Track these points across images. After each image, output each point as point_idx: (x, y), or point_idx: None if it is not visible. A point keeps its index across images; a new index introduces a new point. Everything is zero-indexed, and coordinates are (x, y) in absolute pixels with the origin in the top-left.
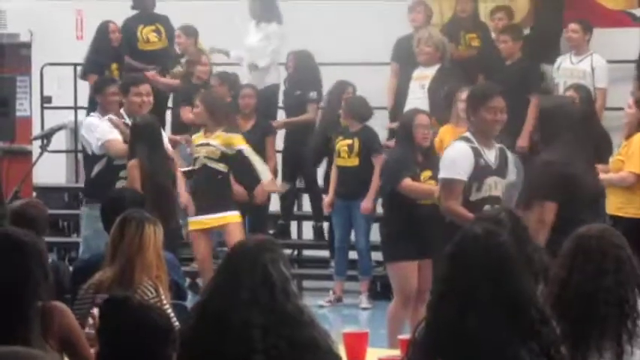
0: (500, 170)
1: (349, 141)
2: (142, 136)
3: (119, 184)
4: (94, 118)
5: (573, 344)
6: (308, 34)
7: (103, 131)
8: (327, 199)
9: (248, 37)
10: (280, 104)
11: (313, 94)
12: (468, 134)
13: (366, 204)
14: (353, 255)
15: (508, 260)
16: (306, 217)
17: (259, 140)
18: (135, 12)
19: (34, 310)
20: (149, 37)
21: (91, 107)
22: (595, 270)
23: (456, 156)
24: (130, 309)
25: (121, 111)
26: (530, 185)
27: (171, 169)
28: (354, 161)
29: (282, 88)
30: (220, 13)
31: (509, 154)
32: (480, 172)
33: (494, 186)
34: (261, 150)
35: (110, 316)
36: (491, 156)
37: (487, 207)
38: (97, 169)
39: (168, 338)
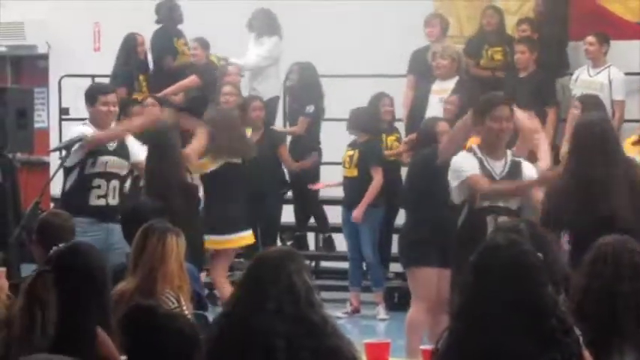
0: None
1: (351, 152)
2: (156, 144)
3: (93, 194)
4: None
5: (595, 350)
6: (309, 47)
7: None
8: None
9: (249, 52)
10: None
11: (310, 108)
12: (473, 146)
13: (356, 212)
14: None
15: (531, 270)
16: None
17: (269, 151)
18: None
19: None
20: (184, 50)
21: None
22: (612, 276)
23: (460, 160)
24: (155, 317)
25: (87, 122)
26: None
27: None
28: (354, 172)
29: (281, 100)
30: (220, 25)
31: (525, 167)
32: None
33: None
34: (272, 159)
35: (137, 324)
36: (496, 166)
37: (489, 217)
38: (69, 182)
39: (194, 346)
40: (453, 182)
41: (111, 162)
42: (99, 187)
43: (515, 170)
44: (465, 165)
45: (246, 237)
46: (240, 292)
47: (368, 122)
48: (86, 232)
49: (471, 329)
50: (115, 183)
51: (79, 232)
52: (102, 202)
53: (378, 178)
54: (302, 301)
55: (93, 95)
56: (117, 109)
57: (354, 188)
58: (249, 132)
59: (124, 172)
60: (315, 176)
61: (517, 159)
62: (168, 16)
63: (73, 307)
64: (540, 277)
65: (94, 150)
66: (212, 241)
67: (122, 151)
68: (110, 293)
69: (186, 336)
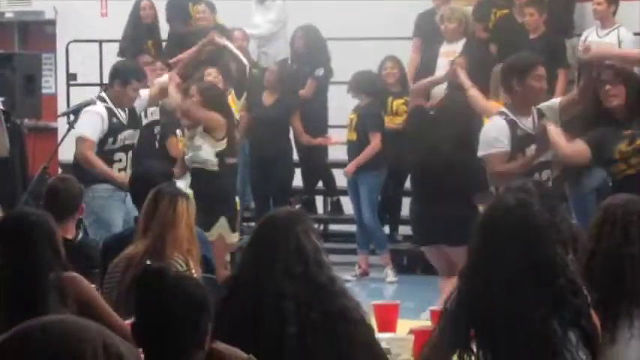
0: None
1: (353, 115)
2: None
3: (114, 167)
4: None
5: (604, 312)
6: (314, 9)
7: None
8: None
9: (254, 16)
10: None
11: (319, 71)
12: (503, 108)
13: (347, 168)
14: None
15: (540, 230)
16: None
17: (283, 116)
18: None
19: (48, 284)
20: (200, 15)
21: None
22: (621, 238)
23: (492, 131)
24: (166, 279)
25: (105, 97)
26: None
27: None
28: (353, 135)
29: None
30: None
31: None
32: (520, 142)
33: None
34: (284, 125)
35: (146, 286)
36: (528, 123)
37: (537, 174)
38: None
39: (205, 308)
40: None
41: (128, 136)
42: (120, 160)
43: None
44: (497, 139)
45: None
46: (248, 254)
47: (368, 85)
48: (111, 197)
49: (479, 289)
50: (130, 154)
51: (104, 197)
52: (122, 174)
53: (374, 142)
54: (310, 261)
55: (127, 78)
56: (142, 94)
57: (354, 152)
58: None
59: (135, 141)
60: (323, 151)
61: (538, 108)
62: None
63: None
64: (549, 237)
65: (113, 128)
66: None
67: (134, 122)
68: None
69: (195, 298)
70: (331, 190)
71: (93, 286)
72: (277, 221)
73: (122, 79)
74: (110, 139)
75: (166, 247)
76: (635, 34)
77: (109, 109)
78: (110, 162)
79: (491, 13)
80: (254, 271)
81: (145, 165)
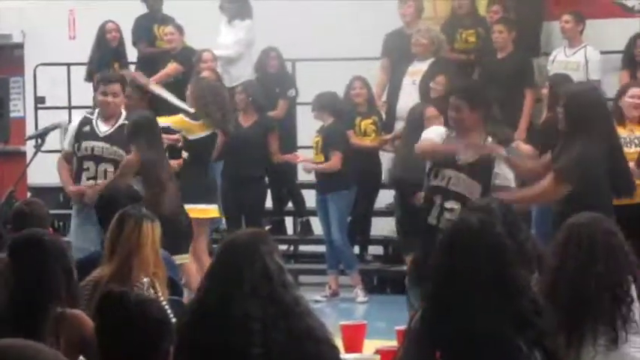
0: None
1: (317, 138)
2: (141, 132)
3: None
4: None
5: (569, 331)
6: (281, 30)
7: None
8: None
9: (220, 36)
10: None
11: (291, 92)
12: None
13: (306, 165)
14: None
15: (503, 251)
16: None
17: (260, 136)
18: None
19: (50, 314)
20: (167, 37)
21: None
22: (586, 257)
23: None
24: (127, 303)
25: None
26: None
27: (169, 163)
28: (321, 157)
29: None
30: (193, 12)
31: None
32: None
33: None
34: (261, 145)
35: (108, 310)
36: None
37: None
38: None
39: (166, 331)
40: None
41: (98, 147)
42: (87, 169)
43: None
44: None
45: (216, 210)
46: (213, 277)
47: (330, 105)
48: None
49: (443, 310)
50: (102, 166)
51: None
52: (90, 182)
53: (333, 161)
54: (275, 282)
55: (97, 82)
56: (118, 99)
57: (324, 174)
58: (241, 116)
59: (114, 156)
60: (292, 172)
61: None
62: (149, 3)
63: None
64: (512, 257)
65: (80, 135)
66: (198, 210)
67: (115, 138)
68: (75, 278)
69: (157, 321)
70: (301, 211)
71: None
72: (241, 243)
73: (94, 86)
74: (75, 145)
75: (132, 270)
76: (602, 52)
77: (84, 118)
78: (80, 170)
79: (458, 33)
80: (220, 294)
81: (111, 187)
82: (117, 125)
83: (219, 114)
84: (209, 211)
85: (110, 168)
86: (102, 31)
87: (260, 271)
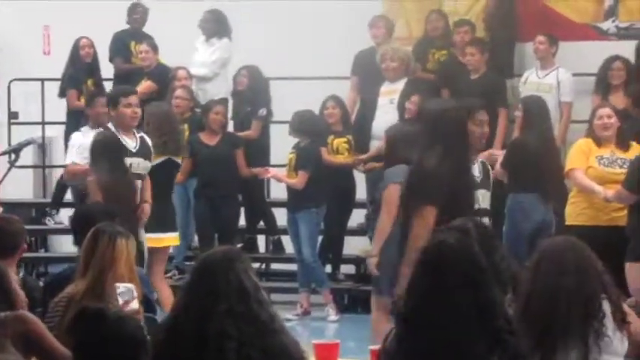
0: (485, 183)
1: (292, 155)
2: (103, 152)
3: None
4: (77, 135)
5: (541, 346)
6: (258, 49)
7: (69, 154)
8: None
9: (197, 53)
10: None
11: (262, 112)
12: None
13: (275, 176)
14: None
15: (480, 270)
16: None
17: (227, 154)
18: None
19: None
20: (141, 54)
21: (71, 122)
22: (556, 271)
23: None
24: (105, 320)
25: (109, 125)
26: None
27: (133, 183)
28: (293, 175)
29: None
30: (172, 30)
31: (488, 166)
32: None
33: (481, 199)
34: (230, 163)
35: (85, 326)
36: (475, 170)
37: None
38: None
39: (143, 349)
40: None
41: (135, 164)
42: None
43: (486, 171)
44: None
45: (177, 238)
46: (189, 296)
47: (308, 126)
48: None
49: (418, 328)
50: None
51: None
52: None
53: (298, 180)
54: (252, 299)
55: (114, 98)
56: (139, 110)
57: (294, 192)
58: (205, 134)
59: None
60: (263, 190)
61: (482, 159)
62: (129, 19)
63: None
64: (488, 278)
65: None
66: (153, 239)
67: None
68: None
69: (134, 339)
70: (272, 229)
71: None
72: (216, 261)
73: (112, 104)
74: None
75: (106, 286)
76: (576, 75)
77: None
78: None
79: (430, 53)
80: (196, 312)
81: (86, 204)
82: (139, 137)
83: (160, 141)
84: (164, 240)
85: (139, 184)
86: (76, 47)
87: (236, 289)
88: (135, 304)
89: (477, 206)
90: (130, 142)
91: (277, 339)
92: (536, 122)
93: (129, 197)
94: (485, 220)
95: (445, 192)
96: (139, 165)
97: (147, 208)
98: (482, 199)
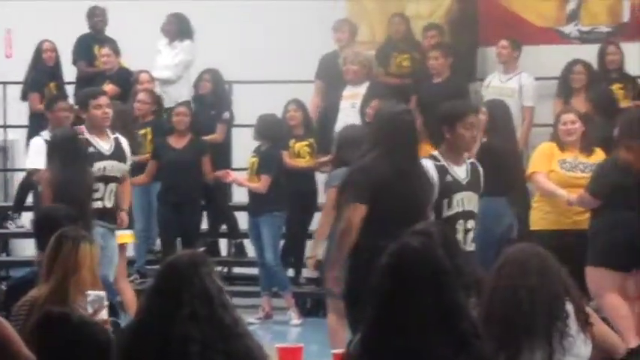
0: (473, 185)
1: (253, 159)
2: (56, 150)
3: None
4: (37, 139)
5: (506, 347)
6: (219, 52)
7: (29, 158)
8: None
9: (160, 56)
10: None
11: (226, 115)
12: (435, 152)
13: (236, 179)
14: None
15: (445, 273)
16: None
17: (194, 159)
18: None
19: None
20: (103, 58)
21: (33, 125)
22: (518, 273)
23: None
24: (68, 323)
25: (83, 127)
26: (342, 186)
27: (89, 182)
28: (254, 180)
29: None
30: (135, 32)
31: (480, 168)
32: (448, 188)
33: (466, 201)
34: (195, 168)
35: (49, 330)
36: (460, 172)
37: (461, 221)
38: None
39: (108, 351)
40: None
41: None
42: (97, 190)
43: (476, 173)
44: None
45: (132, 235)
46: (153, 299)
47: (272, 130)
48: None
49: (383, 332)
50: (112, 186)
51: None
52: (99, 204)
53: (261, 183)
54: (215, 303)
55: (83, 101)
56: (110, 110)
57: (256, 196)
58: (173, 137)
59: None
60: (226, 194)
61: (472, 160)
62: (90, 23)
63: None
64: (452, 281)
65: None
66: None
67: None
68: None
69: (99, 343)
70: (234, 233)
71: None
72: (181, 265)
73: (82, 107)
74: None
75: (69, 291)
76: (538, 79)
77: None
78: None
79: (392, 57)
80: (159, 316)
81: (49, 207)
82: (112, 139)
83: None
84: (119, 237)
85: (114, 187)
86: (38, 51)
87: (200, 293)
88: (104, 314)
89: (458, 209)
90: (104, 145)
91: (241, 342)
92: (500, 126)
93: (80, 198)
94: (471, 223)
95: (377, 191)
96: (112, 167)
97: (124, 217)
98: (468, 201)
